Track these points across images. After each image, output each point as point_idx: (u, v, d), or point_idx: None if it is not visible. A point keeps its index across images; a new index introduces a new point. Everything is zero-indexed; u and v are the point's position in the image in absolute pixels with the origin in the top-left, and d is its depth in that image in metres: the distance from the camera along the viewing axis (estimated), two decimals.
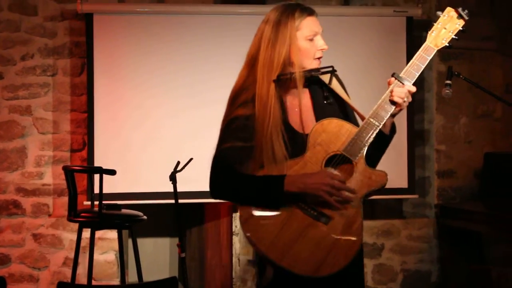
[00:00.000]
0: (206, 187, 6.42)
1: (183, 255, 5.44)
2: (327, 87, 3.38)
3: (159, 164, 6.14)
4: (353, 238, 3.16)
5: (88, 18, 6.29)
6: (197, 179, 6.10)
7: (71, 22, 6.51)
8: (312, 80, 3.37)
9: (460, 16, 3.20)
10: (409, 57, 6.30)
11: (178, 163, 5.42)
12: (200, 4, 6.62)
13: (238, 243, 6.78)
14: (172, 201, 5.51)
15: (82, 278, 6.30)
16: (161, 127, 6.34)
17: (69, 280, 5.79)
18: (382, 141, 3.29)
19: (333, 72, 3.37)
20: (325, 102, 3.37)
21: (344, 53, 6.23)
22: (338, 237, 3.15)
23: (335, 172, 3.20)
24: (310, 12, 3.30)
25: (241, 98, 3.31)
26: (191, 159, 5.44)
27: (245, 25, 6.34)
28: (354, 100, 3.43)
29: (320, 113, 3.33)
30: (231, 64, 6.23)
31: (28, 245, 6.50)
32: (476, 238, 6.25)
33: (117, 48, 6.31)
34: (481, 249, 6.27)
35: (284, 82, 3.30)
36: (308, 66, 3.30)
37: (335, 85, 3.41)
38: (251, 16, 6.35)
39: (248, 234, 3.18)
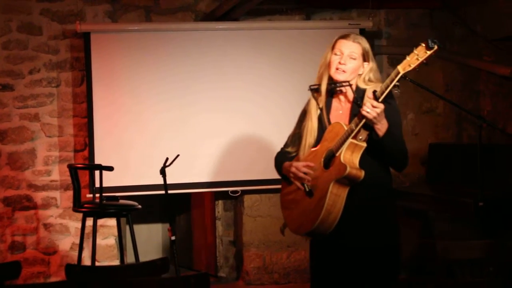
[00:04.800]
0: (191, 179, 6.49)
1: (173, 238, 5.49)
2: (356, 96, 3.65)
3: (150, 160, 6.05)
4: (317, 212, 3.53)
5: (86, 36, 6.20)
6: (183, 172, 6.18)
7: (72, 40, 6.44)
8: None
9: (428, 47, 3.28)
10: None
11: (167, 159, 5.42)
12: (182, 22, 6.55)
13: (220, 226, 6.82)
14: (163, 191, 5.52)
15: (87, 260, 6.28)
16: (151, 128, 6.27)
17: (76, 262, 5.79)
18: (379, 143, 3.49)
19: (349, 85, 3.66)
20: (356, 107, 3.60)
21: (307, 62, 6.17)
22: (311, 208, 3.58)
23: (302, 163, 3.64)
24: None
25: None
26: (177, 155, 5.45)
27: (221, 39, 6.41)
28: None
29: (352, 116, 3.61)
30: (209, 71, 6.33)
31: (39, 233, 6.45)
32: (423, 216, 6.25)
33: (111, 62, 6.24)
34: (428, 225, 6.27)
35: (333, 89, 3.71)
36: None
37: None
38: (226, 31, 6.42)
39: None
